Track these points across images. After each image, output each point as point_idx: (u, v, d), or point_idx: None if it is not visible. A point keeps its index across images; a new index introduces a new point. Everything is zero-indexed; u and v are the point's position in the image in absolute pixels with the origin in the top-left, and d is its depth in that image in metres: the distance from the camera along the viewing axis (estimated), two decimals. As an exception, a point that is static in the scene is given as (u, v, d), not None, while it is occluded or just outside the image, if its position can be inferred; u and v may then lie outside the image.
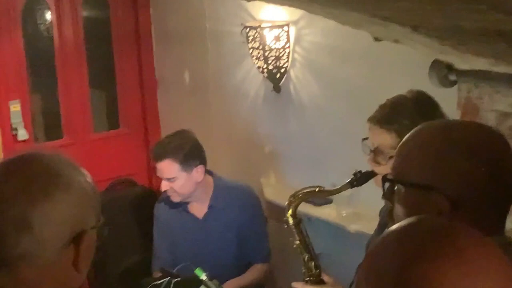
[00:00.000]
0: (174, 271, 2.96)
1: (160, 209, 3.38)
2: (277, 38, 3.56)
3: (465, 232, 0.96)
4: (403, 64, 2.89)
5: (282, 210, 2.32)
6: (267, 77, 3.70)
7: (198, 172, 3.17)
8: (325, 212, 3.39)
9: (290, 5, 2.67)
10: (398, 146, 1.36)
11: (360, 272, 0.97)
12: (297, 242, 2.29)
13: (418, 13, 1.57)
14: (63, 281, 1.29)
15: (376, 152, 2.09)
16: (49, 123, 4.63)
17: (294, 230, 2.29)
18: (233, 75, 4.04)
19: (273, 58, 3.59)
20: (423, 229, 0.97)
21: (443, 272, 0.89)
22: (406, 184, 1.29)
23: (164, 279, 2.92)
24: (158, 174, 3.23)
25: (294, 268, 2.40)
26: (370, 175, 2.11)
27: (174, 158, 3.12)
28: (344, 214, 3.31)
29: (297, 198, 2.27)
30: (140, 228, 3.85)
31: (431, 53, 2.35)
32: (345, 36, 3.16)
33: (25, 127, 4.22)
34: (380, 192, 1.41)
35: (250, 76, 3.90)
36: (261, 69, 3.68)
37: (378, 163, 2.08)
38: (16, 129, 4.18)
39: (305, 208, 2.93)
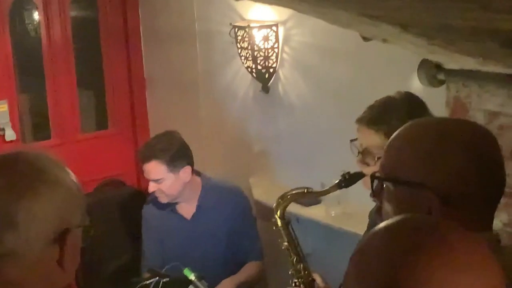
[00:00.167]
0: (163, 271, 2.96)
1: (148, 210, 3.38)
2: (266, 38, 3.56)
3: (453, 229, 0.96)
4: (392, 64, 2.90)
5: (271, 210, 2.31)
6: (255, 77, 3.69)
7: (185, 173, 3.16)
8: (314, 212, 3.39)
9: (279, 4, 2.67)
10: (387, 143, 1.35)
11: (348, 269, 0.97)
12: (286, 243, 2.29)
13: (407, 11, 1.57)
14: (49, 280, 1.28)
15: (364, 153, 2.08)
16: (37, 124, 4.62)
17: (282, 231, 2.28)
18: (222, 75, 4.03)
19: (261, 58, 3.59)
20: (411, 226, 0.97)
21: (431, 268, 0.89)
22: (396, 182, 1.29)
23: (153, 279, 2.92)
24: (145, 176, 3.22)
25: (284, 268, 2.39)
26: (358, 176, 2.10)
27: (160, 160, 3.11)
28: (333, 214, 3.32)
29: (285, 200, 2.26)
30: (129, 228, 3.83)
31: (420, 52, 2.36)
32: (334, 36, 3.16)
33: (13, 127, 4.19)
34: (369, 192, 1.40)
35: (239, 76, 3.89)
36: (250, 69, 3.68)
37: (366, 164, 2.08)
38: (3, 130, 4.15)
39: (294, 208, 2.92)
